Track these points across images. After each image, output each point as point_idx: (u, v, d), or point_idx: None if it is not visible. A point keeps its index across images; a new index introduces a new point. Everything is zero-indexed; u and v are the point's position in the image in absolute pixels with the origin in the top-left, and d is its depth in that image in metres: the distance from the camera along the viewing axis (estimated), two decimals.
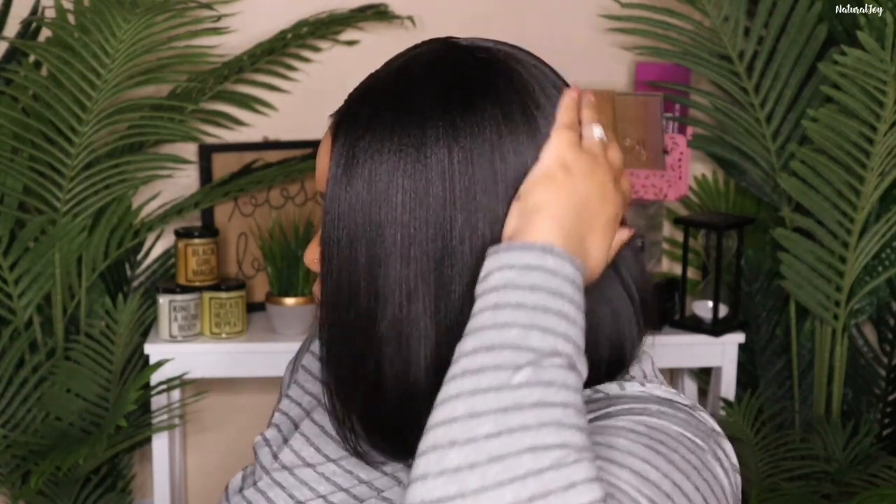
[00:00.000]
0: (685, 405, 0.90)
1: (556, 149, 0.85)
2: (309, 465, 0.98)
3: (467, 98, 0.87)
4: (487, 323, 0.79)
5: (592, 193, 0.85)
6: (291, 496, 0.97)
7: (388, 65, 0.92)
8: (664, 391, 0.91)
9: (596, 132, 0.88)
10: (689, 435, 0.86)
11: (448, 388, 0.77)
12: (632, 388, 0.91)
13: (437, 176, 0.85)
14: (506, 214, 0.86)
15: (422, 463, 0.76)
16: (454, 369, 0.78)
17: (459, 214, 0.85)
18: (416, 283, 0.86)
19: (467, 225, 0.85)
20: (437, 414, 0.77)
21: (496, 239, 0.85)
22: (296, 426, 1.04)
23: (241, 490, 1.02)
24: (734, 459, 0.90)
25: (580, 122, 0.89)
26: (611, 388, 0.91)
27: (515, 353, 0.77)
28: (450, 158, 0.85)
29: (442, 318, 0.86)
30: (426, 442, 0.76)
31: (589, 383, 0.91)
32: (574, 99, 0.89)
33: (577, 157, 0.86)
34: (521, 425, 0.75)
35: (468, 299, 0.85)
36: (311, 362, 1.09)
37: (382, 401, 0.88)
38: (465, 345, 0.79)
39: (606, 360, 0.92)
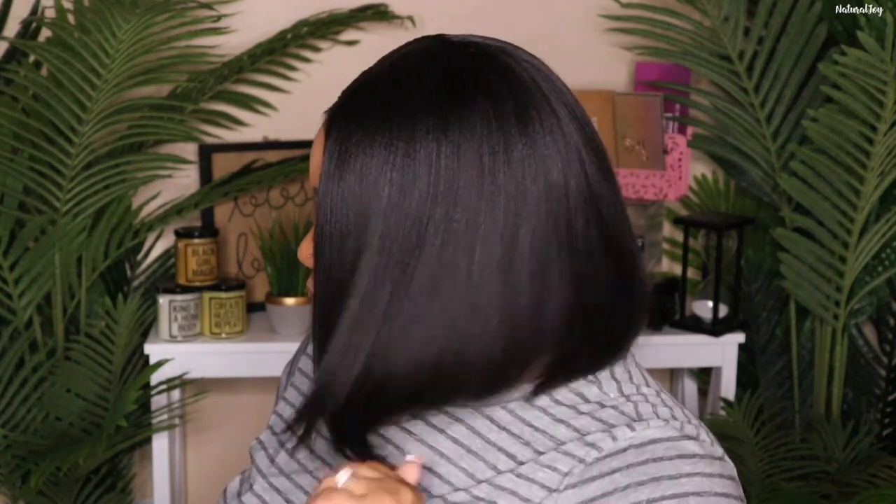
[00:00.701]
0: (674, 438, 0.89)
1: None
2: (307, 471, 0.98)
3: (458, 92, 0.87)
4: None
5: None
6: (288, 500, 0.97)
7: (381, 61, 0.93)
8: (656, 427, 0.89)
9: (343, 475, 0.83)
10: None
11: None
12: (623, 434, 0.89)
13: (424, 170, 0.86)
14: (489, 212, 0.85)
15: None
16: None
17: (438, 208, 0.85)
18: (384, 273, 0.86)
19: (444, 218, 0.85)
20: None
21: (471, 234, 0.85)
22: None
23: (239, 495, 1.02)
24: (727, 470, 0.90)
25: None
26: (603, 440, 0.89)
27: None
28: (438, 152, 0.86)
29: (394, 309, 0.86)
30: None
31: (585, 368, 0.91)
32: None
33: None
34: None
35: (428, 289, 0.85)
36: (307, 364, 1.09)
37: (341, 393, 0.89)
38: None
39: (605, 342, 0.92)
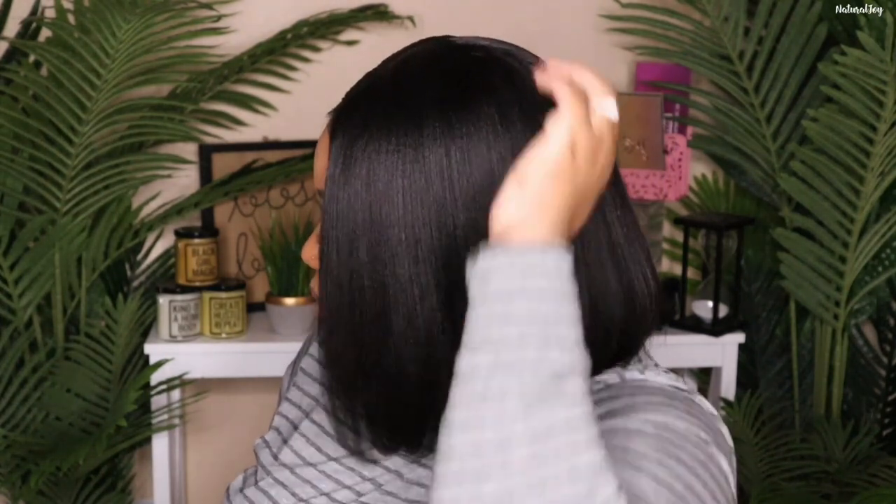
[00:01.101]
0: (684, 391, 0.91)
1: (567, 130, 0.79)
2: (310, 463, 0.99)
3: (464, 97, 0.87)
4: (499, 337, 0.76)
5: (593, 178, 0.82)
6: (294, 494, 0.97)
7: (385, 64, 0.92)
8: (664, 378, 0.92)
9: (610, 110, 0.82)
10: (693, 429, 0.86)
11: (470, 412, 0.75)
12: (631, 376, 0.91)
13: (436, 176, 0.85)
14: None
15: (450, 495, 0.74)
16: (472, 388, 0.75)
17: (462, 214, 0.85)
18: (428, 280, 0.86)
19: (471, 225, 0.85)
20: (462, 440, 0.74)
21: None
22: (295, 427, 1.04)
23: (242, 490, 1.02)
24: (730, 442, 0.92)
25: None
26: (611, 377, 0.91)
27: (536, 374, 0.75)
28: (448, 158, 0.85)
29: (458, 313, 0.85)
30: (453, 468, 0.74)
31: (594, 368, 0.91)
32: (577, 68, 0.83)
33: (586, 140, 0.80)
34: (554, 451, 0.73)
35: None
36: (310, 364, 1.09)
37: (402, 396, 0.88)
38: (479, 359, 0.76)
39: (615, 347, 0.92)
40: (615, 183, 0.91)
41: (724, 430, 0.91)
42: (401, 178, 0.86)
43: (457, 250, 0.85)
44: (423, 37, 0.95)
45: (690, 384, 2.67)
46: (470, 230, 0.85)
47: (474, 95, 0.87)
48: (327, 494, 0.96)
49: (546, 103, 0.87)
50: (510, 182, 0.80)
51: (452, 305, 0.86)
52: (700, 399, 0.91)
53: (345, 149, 0.88)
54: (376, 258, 0.87)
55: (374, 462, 0.95)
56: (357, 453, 0.94)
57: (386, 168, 0.86)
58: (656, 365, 0.96)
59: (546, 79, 0.82)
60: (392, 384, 0.88)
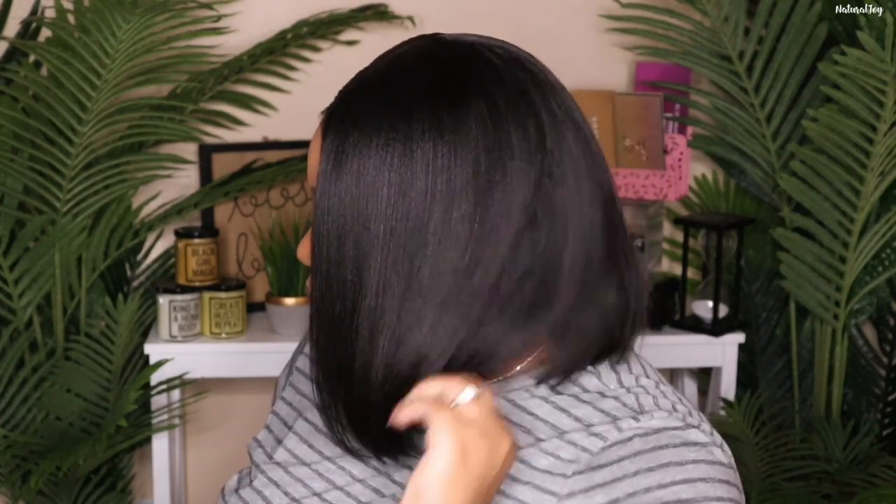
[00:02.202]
0: (678, 427, 0.90)
1: (446, 435, 0.82)
2: (304, 463, 0.99)
3: (453, 93, 0.87)
4: None
5: (488, 464, 0.83)
6: (286, 493, 0.98)
7: (377, 62, 0.93)
8: (660, 417, 0.90)
9: (467, 395, 0.84)
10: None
11: None
12: (628, 425, 0.90)
13: (421, 170, 0.86)
14: (480, 214, 0.86)
15: None
16: None
17: (437, 208, 0.86)
18: (391, 275, 0.87)
19: (442, 220, 0.86)
20: None
21: (466, 237, 0.86)
22: (288, 426, 1.04)
23: (237, 490, 1.02)
24: (731, 459, 0.91)
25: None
26: (609, 431, 0.90)
27: None
28: (434, 153, 0.86)
29: (405, 311, 0.86)
30: None
31: (577, 366, 0.92)
32: (420, 387, 0.86)
33: (470, 434, 0.82)
34: None
35: (434, 291, 0.86)
36: (305, 363, 1.10)
37: (355, 392, 0.89)
38: None
39: (606, 336, 0.92)
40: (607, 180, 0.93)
41: (726, 450, 0.91)
42: (388, 172, 0.87)
43: (425, 243, 0.86)
44: None
45: (691, 387, 2.68)
46: (441, 225, 0.86)
47: (464, 91, 0.88)
48: (318, 495, 0.96)
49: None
50: (407, 496, 0.82)
51: (402, 302, 0.86)
52: (697, 432, 0.90)
53: (336, 145, 0.89)
54: (359, 252, 0.88)
55: (366, 463, 0.95)
56: (349, 450, 0.94)
57: (375, 163, 0.87)
58: (647, 376, 0.95)
59: (402, 415, 0.84)
60: (357, 381, 0.89)
